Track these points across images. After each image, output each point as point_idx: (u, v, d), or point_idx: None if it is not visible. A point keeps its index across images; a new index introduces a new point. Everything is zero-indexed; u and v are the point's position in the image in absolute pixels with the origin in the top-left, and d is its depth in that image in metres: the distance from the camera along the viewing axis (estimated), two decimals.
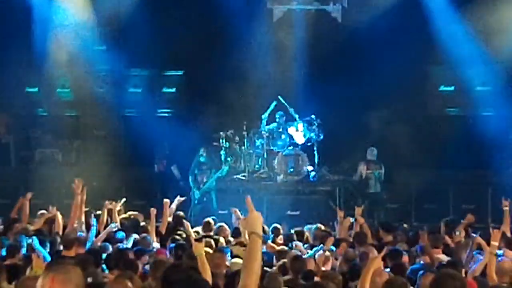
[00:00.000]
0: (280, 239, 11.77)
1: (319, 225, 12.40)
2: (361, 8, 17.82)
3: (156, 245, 10.92)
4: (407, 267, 9.15)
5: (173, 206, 12.61)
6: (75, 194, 11.52)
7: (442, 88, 18.25)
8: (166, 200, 12.34)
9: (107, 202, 12.34)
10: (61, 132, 18.38)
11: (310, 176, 17.47)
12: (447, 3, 17.64)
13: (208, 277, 7.15)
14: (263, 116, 17.34)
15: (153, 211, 11.67)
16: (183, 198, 13.23)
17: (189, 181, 16.72)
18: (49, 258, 9.69)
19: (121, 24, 18.18)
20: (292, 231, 12.33)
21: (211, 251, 9.30)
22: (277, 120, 17.56)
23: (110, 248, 10.30)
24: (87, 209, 11.98)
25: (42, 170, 17.28)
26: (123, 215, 13.00)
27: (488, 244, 9.00)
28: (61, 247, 10.30)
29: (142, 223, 12.44)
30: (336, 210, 12.95)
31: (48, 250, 10.15)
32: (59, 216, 11.70)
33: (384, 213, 17.00)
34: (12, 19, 17.48)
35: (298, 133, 17.57)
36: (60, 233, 11.17)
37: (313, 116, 17.55)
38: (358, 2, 17.92)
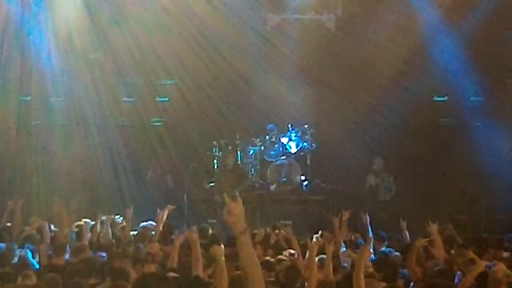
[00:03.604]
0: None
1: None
2: (355, 17, 17.82)
3: None
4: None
5: (164, 215, 12.56)
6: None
7: (436, 98, 18.18)
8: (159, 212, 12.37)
9: (99, 214, 12.35)
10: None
11: (303, 186, 17.44)
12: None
13: (225, 285, 6.94)
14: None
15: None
16: (173, 207, 13.19)
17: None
18: (37, 266, 9.70)
19: None
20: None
21: None
22: (269, 130, 17.57)
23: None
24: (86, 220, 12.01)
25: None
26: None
27: (480, 256, 8.95)
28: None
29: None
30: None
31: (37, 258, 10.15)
32: (47, 225, 11.65)
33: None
34: None
35: (291, 142, 17.57)
36: (48, 241, 11.13)
37: (306, 126, 17.55)
38: (352, 12, 17.91)
